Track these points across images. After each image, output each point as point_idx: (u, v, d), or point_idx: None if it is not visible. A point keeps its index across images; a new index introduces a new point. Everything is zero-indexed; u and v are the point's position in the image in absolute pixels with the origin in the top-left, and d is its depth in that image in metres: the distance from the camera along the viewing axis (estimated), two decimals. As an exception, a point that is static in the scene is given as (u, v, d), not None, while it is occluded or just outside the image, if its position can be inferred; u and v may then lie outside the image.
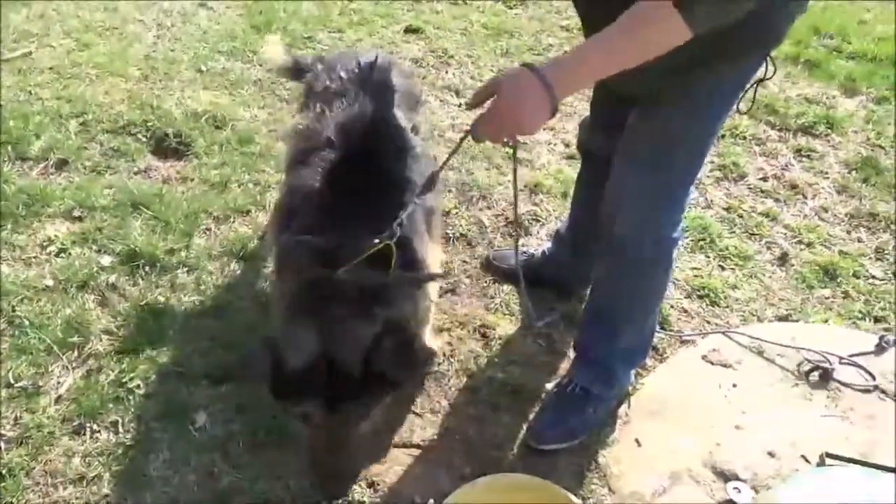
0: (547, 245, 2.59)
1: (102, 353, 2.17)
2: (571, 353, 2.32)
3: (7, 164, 2.86)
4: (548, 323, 2.30)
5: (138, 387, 2.09)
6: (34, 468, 1.87)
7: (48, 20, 3.91)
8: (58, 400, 2.04)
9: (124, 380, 2.10)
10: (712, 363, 2.30)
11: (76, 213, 2.65)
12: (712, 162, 3.42)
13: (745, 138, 3.62)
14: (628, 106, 1.72)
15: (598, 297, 2.03)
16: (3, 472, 1.84)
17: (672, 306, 2.58)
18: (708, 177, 3.35)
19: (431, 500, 1.85)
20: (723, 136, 3.59)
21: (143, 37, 3.88)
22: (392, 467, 1.94)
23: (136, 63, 3.63)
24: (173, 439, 1.97)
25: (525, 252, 2.59)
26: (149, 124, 3.17)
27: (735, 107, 1.68)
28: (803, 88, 4.02)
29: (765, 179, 3.38)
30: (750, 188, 3.31)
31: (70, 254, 2.49)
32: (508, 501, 1.64)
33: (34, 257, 2.47)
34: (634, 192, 1.74)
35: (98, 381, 2.09)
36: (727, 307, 2.63)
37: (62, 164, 2.92)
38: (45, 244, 2.52)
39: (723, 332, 2.42)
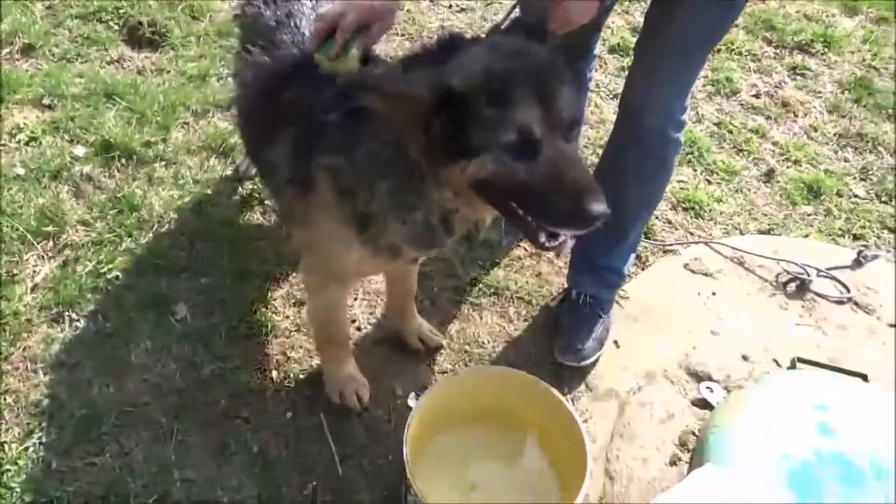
0: None
1: (79, 243, 2.12)
2: (558, 260, 2.33)
3: (-31, 47, 2.70)
4: (511, 241, 2.31)
5: (117, 278, 2.06)
6: (13, 353, 1.85)
7: None
8: (34, 289, 2.00)
9: (102, 270, 2.06)
10: (693, 272, 2.32)
11: (46, 101, 2.54)
12: (705, 77, 3.36)
13: (740, 54, 3.55)
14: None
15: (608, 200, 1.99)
16: (-20, 357, 1.82)
17: (657, 217, 2.58)
18: (700, 91, 3.30)
19: (413, 394, 1.88)
20: (718, 51, 3.51)
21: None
22: (373, 362, 1.96)
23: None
24: (154, 330, 1.96)
25: None
26: (121, 11, 3.00)
27: None
28: (803, 5, 3.91)
29: (757, 96, 3.34)
30: (742, 104, 3.27)
31: (41, 143, 2.39)
32: (489, 391, 1.67)
33: (3, 145, 2.37)
34: (666, 82, 1.73)
35: (75, 270, 2.05)
36: (711, 220, 2.64)
37: (28, 50, 2.77)
38: (14, 132, 2.41)
39: (705, 243, 2.44)
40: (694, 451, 1.75)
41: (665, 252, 2.43)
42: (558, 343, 1.96)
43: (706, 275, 2.32)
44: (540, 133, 1.17)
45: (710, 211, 2.68)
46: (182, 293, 2.05)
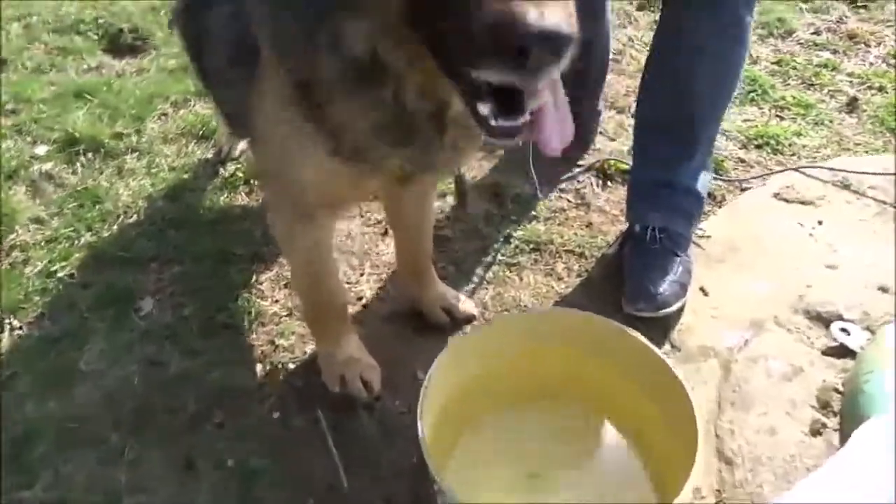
0: None
1: (29, 243, 1.77)
2: (608, 206, 1.87)
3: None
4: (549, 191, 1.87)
5: (72, 276, 1.69)
6: (-67, 374, 1.48)
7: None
8: (-29, 298, 1.64)
9: (54, 269, 1.70)
10: (788, 201, 1.82)
11: (9, 107, 2.25)
12: (753, 21, 2.95)
13: None
14: None
15: (665, 104, 1.57)
16: None
17: (726, 157, 2.11)
18: (751, 35, 2.87)
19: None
20: None
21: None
22: (385, 343, 1.51)
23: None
24: (112, 329, 1.56)
25: None
26: (100, 21, 2.76)
27: None
28: None
29: (817, 33, 2.96)
30: (800, 43, 2.87)
31: (0, 147, 2.09)
32: (544, 348, 1.19)
33: (-43, 153, 2.08)
34: None
35: (23, 273, 1.69)
36: (793, 154, 2.16)
37: (-1, 66, 2.53)
38: (-30, 139, 2.13)
39: (795, 169, 1.94)
40: (843, 411, 1.22)
41: (744, 190, 1.94)
42: (627, 290, 1.47)
43: (804, 203, 1.82)
44: None
45: (791, 145, 2.20)
46: (149, 286, 1.66)
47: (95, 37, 2.71)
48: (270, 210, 1.35)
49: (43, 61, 2.56)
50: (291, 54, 0.97)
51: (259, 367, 1.47)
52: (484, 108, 0.79)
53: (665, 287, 1.45)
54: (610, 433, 1.24)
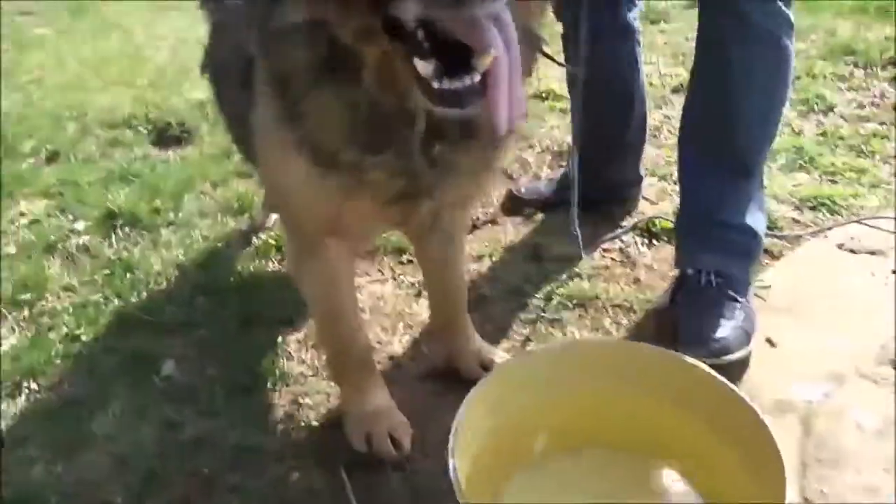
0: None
1: (59, 309, 1.74)
2: (656, 263, 1.76)
3: (-7, 162, 2.58)
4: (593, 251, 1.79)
5: (96, 340, 1.63)
6: (-54, 439, 1.40)
7: (63, 55, 3.81)
8: (-6, 363, 1.59)
9: (78, 332, 1.65)
10: (854, 251, 1.68)
11: (56, 190, 2.32)
12: (791, 98, 2.91)
13: (824, 76, 3.16)
14: None
15: (711, 123, 1.49)
16: None
17: (779, 217, 2.00)
18: (791, 112, 2.84)
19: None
20: (798, 77, 3.12)
21: (155, 58, 3.72)
22: (418, 400, 1.38)
23: (145, 75, 3.44)
24: (130, 392, 1.47)
25: (552, 180, 2.14)
26: (150, 116, 2.89)
27: None
28: (879, 31, 3.59)
29: (861, 107, 2.91)
30: (843, 117, 2.83)
31: (42, 224, 2.13)
32: (596, 387, 1.05)
33: (1, 231, 2.12)
34: None
35: (48, 337, 1.65)
36: (852, 214, 2.02)
37: (53, 157, 2.63)
38: (14, 219, 2.17)
39: (858, 221, 1.81)
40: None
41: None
42: (681, 336, 1.33)
43: (873, 253, 1.67)
44: None
45: (849, 206, 2.07)
46: (173, 349, 1.59)
47: (145, 131, 2.83)
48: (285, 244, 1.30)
49: (93, 152, 2.66)
50: (266, 45, 0.93)
51: (280, 427, 1.35)
52: (425, 67, 0.71)
53: (725, 332, 1.30)
54: (674, 479, 1.05)
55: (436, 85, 0.73)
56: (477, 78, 0.73)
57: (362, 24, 0.80)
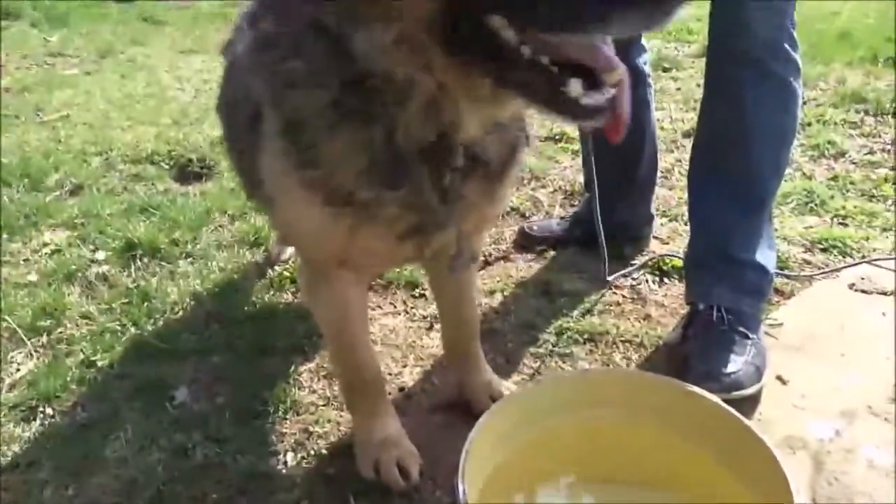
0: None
1: (76, 337, 1.77)
2: (667, 300, 1.77)
3: (19, 194, 2.65)
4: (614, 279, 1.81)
5: (111, 366, 1.66)
6: (-39, 462, 1.41)
7: (91, 95, 3.94)
8: (12, 387, 1.62)
9: (94, 359, 1.67)
10: (865, 291, 1.68)
11: (78, 221, 2.38)
12: (802, 144, 2.98)
13: (835, 123, 3.23)
14: None
15: (722, 158, 1.53)
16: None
17: (790, 257, 2.01)
18: (802, 156, 2.89)
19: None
20: (808, 124, 3.18)
21: (180, 98, 3.84)
22: (429, 432, 1.38)
23: (169, 114, 3.54)
24: (143, 418, 1.49)
25: (564, 218, 2.18)
26: (172, 153, 2.97)
27: None
28: (888, 79, 3.69)
29: (871, 153, 2.95)
30: (854, 162, 2.87)
31: (64, 253, 2.18)
32: (608, 417, 1.05)
33: (24, 260, 2.17)
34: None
35: (65, 363, 1.67)
36: (863, 256, 2.03)
37: (77, 190, 2.70)
38: (38, 248, 2.22)
39: (868, 262, 1.81)
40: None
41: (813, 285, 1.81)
42: (692, 370, 1.33)
43: (885, 294, 1.67)
44: None
45: (860, 249, 2.08)
46: (186, 376, 1.61)
47: (167, 166, 2.90)
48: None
49: (116, 186, 2.73)
50: (276, 92, 0.97)
51: (290, 454, 1.35)
52: (574, 87, 0.77)
53: (737, 367, 1.31)
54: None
55: (583, 101, 0.78)
56: (611, 93, 0.79)
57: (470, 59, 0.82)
